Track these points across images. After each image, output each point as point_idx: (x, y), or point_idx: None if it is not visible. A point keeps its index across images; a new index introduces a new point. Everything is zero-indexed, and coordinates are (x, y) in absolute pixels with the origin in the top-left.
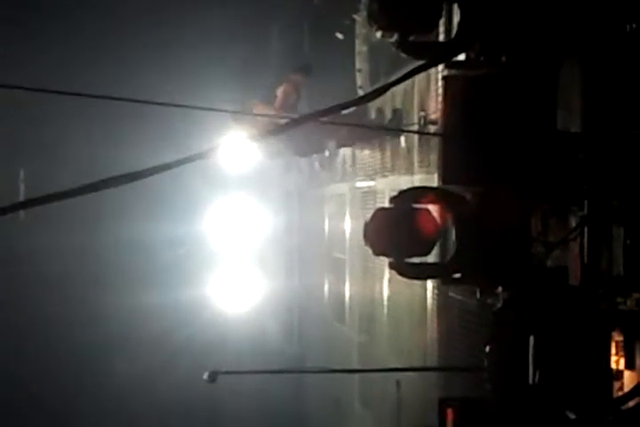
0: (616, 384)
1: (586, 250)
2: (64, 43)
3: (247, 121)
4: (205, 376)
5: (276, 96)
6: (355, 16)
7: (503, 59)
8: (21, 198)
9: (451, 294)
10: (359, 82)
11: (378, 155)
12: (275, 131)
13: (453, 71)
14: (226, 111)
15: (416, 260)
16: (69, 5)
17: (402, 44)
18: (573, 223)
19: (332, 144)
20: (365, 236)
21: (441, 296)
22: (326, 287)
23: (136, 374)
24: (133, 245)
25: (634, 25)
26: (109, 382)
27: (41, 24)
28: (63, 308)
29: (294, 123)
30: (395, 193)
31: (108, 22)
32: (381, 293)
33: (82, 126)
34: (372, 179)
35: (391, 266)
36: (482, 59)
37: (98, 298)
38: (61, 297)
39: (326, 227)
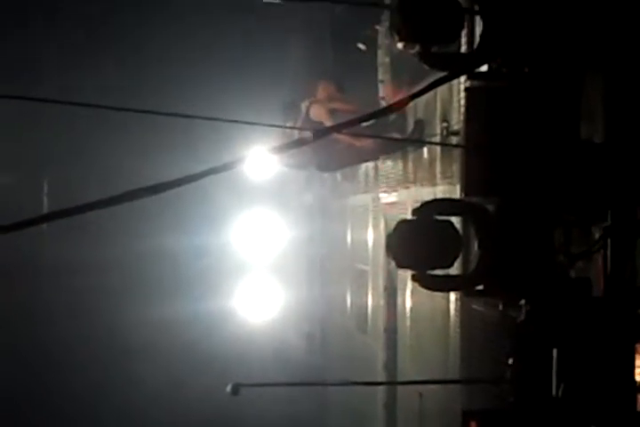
0: None
1: (609, 261)
2: (87, 54)
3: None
4: (228, 389)
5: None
6: (377, 27)
7: (526, 70)
8: (45, 210)
9: (473, 305)
10: (381, 93)
11: (400, 166)
12: (296, 143)
13: (476, 82)
14: (248, 123)
15: (439, 272)
16: (94, 16)
17: (424, 56)
18: (597, 234)
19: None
20: (388, 248)
21: (463, 308)
22: (349, 298)
23: (159, 384)
24: (157, 256)
25: None
26: (132, 392)
27: (64, 34)
28: (87, 318)
29: (316, 135)
30: (417, 205)
31: (126, 35)
32: (404, 304)
33: (106, 138)
34: (395, 190)
35: (414, 278)
36: (504, 70)
37: (122, 309)
38: (85, 308)
39: (349, 238)
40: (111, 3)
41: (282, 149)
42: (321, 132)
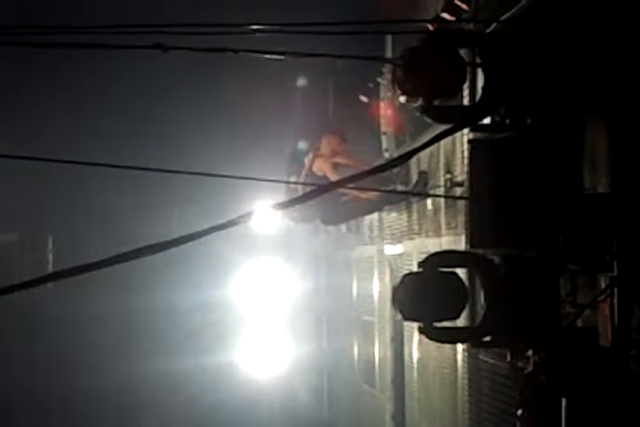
0: None
1: (616, 311)
2: (89, 112)
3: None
4: None
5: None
6: (379, 79)
7: (528, 121)
8: (50, 266)
9: (481, 356)
10: (385, 145)
11: (405, 217)
12: (301, 199)
13: (479, 134)
14: (251, 179)
15: (446, 323)
16: (99, 73)
17: (426, 109)
18: (603, 284)
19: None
20: (394, 301)
21: (471, 359)
22: (355, 351)
23: None
24: (162, 310)
25: None
26: None
27: (72, 95)
28: (92, 374)
29: (321, 190)
30: (422, 255)
31: (130, 92)
32: (411, 356)
33: (110, 194)
34: (400, 241)
35: (421, 330)
36: (507, 122)
37: (127, 364)
38: (91, 363)
39: (354, 290)
40: (111, 62)
41: (286, 204)
42: (324, 188)
